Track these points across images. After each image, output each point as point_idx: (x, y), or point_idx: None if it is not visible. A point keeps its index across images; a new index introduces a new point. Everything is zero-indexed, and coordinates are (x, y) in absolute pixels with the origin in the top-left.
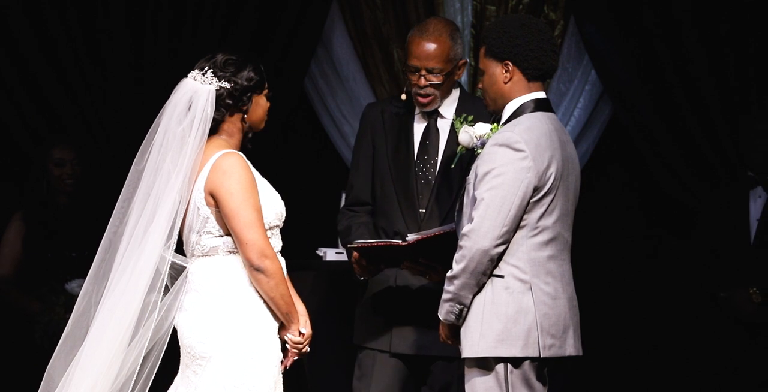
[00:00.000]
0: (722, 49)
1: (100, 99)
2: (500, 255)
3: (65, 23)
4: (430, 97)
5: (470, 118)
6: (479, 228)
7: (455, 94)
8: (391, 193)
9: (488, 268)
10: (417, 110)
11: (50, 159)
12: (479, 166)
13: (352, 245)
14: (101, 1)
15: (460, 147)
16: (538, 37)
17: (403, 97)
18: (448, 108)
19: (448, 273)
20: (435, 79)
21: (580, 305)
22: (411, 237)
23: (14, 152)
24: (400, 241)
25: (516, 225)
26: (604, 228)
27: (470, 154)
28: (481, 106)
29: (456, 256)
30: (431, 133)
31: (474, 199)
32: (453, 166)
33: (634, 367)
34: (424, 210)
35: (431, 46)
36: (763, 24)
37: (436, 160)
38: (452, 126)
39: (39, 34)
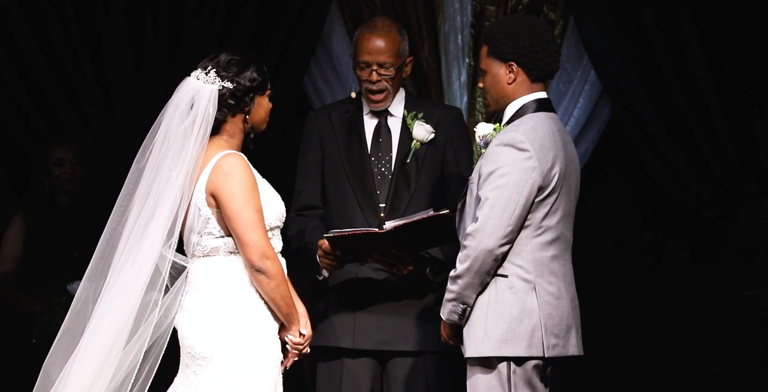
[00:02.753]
0: (722, 49)
1: (100, 99)
2: (504, 255)
3: (65, 23)
4: (383, 94)
5: (420, 114)
6: (484, 227)
7: (402, 93)
8: (347, 191)
9: (492, 268)
10: (366, 109)
11: (50, 159)
12: (483, 166)
13: (327, 235)
14: (101, 1)
15: (414, 141)
16: (543, 38)
17: (353, 95)
18: (397, 106)
19: (452, 273)
20: (387, 74)
21: (580, 305)
22: (388, 224)
23: (14, 152)
24: (376, 229)
25: (520, 225)
26: (604, 228)
27: (424, 149)
28: (426, 106)
29: (460, 256)
30: (382, 130)
31: (478, 199)
32: (408, 161)
33: (633, 367)
34: (384, 205)
35: (382, 41)
36: (763, 24)
37: (391, 156)
38: (404, 122)
39: (39, 34)
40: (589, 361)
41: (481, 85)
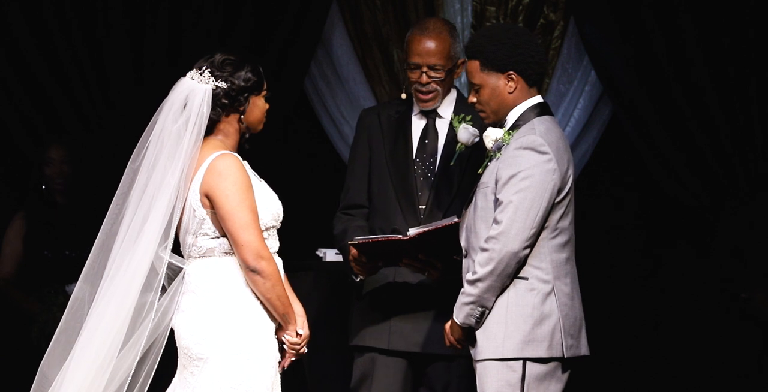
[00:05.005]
0: (722, 49)
1: (100, 99)
2: (525, 258)
3: (65, 23)
4: (432, 94)
5: (468, 117)
6: (509, 230)
7: (453, 94)
8: (389, 191)
9: (515, 270)
10: (416, 110)
11: (44, 159)
12: (502, 170)
13: (351, 242)
14: (101, 1)
15: (459, 144)
16: (533, 42)
17: (403, 96)
18: (447, 108)
19: (470, 277)
20: (437, 76)
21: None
22: (412, 231)
23: (14, 152)
24: (400, 236)
25: (541, 228)
26: (604, 229)
27: (468, 152)
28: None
29: (480, 259)
30: (430, 131)
31: (496, 202)
32: (452, 164)
33: (632, 368)
34: (424, 207)
35: (433, 43)
36: (762, 24)
37: (435, 158)
38: (450, 125)
39: (39, 34)
40: (587, 362)
41: (473, 100)
